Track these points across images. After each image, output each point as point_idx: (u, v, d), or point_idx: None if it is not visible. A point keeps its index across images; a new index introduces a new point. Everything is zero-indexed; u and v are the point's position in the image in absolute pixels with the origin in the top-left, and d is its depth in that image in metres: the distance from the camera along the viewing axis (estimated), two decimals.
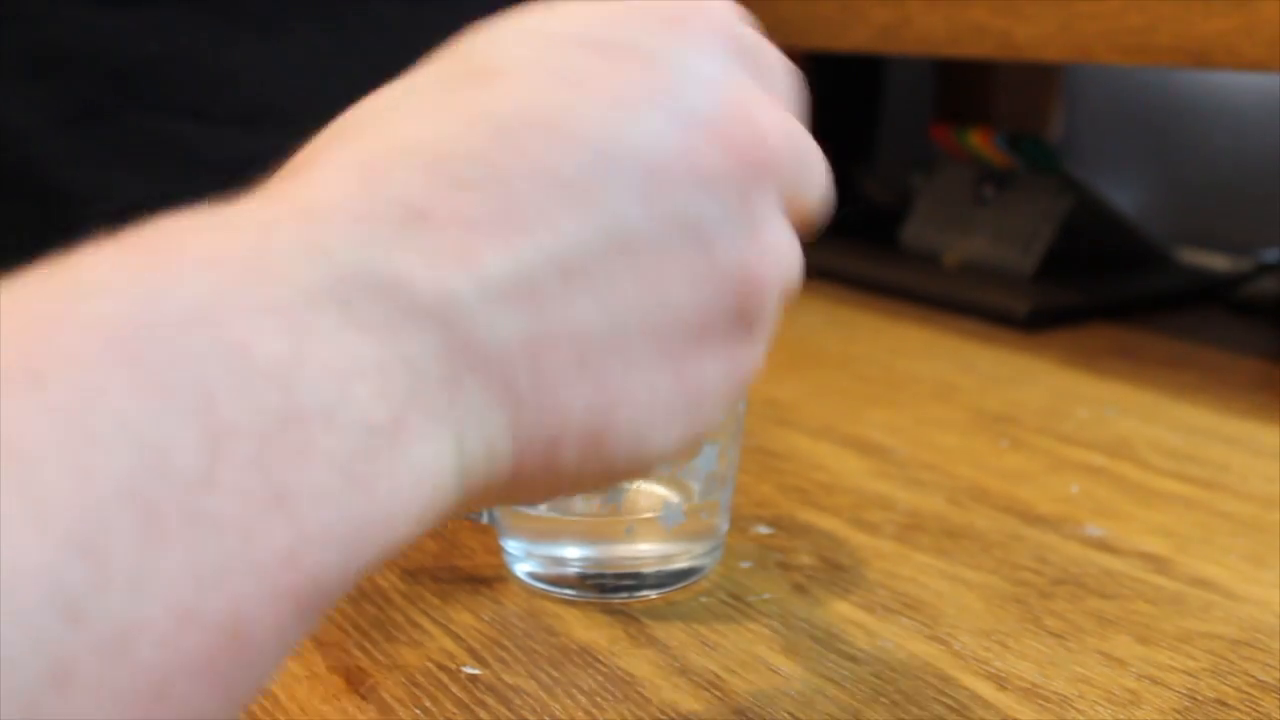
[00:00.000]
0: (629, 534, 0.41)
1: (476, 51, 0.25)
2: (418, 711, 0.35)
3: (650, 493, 0.42)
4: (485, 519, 0.43)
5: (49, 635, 0.17)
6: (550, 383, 0.23)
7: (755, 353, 0.27)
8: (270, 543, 0.19)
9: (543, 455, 0.24)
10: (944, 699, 0.35)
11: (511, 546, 0.43)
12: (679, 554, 0.42)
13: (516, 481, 0.24)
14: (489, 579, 0.43)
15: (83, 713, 0.17)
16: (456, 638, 0.39)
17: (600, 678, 0.37)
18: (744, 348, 0.26)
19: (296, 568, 0.20)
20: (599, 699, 0.36)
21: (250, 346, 0.20)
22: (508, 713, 0.35)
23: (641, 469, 0.26)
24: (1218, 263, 0.86)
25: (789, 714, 0.35)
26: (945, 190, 0.89)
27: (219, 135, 0.81)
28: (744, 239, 0.25)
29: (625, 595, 0.41)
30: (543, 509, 0.42)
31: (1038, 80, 0.98)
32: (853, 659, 0.38)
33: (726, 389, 0.26)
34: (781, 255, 0.27)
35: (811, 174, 0.28)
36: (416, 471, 0.22)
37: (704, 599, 0.42)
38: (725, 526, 0.44)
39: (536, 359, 0.23)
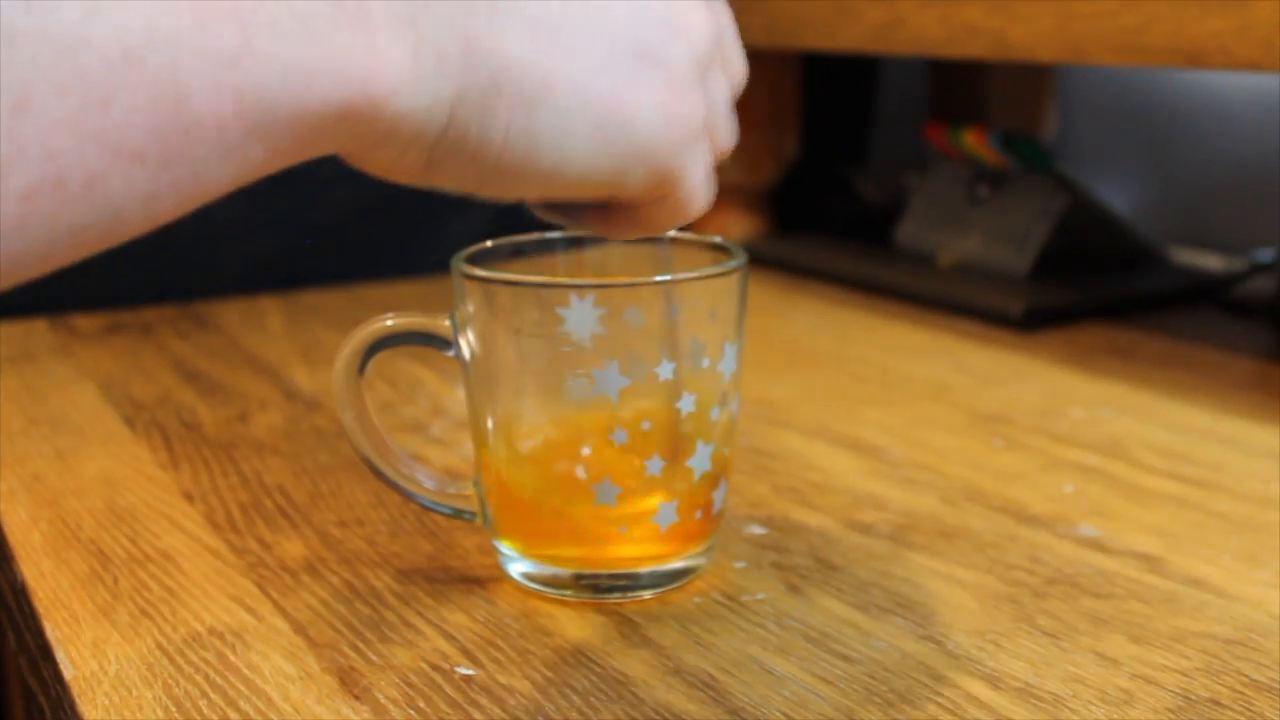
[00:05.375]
0: (623, 534, 0.41)
1: None
2: (411, 712, 0.35)
3: (643, 493, 0.42)
4: (479, 520, 0.43)
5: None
6: (501, 29, 0.28)
7: (689, 107, 0.31)
8: (219, 39, 0.23)
9: (478, 105, 0.28)
10: (937, 699, 0.35)
11: (505, 547, 0.43)
12: (673, 554, 0.42)
13: (449, 134, 0.28)
14: (483, 579, 0.43)
15: (37, 138, 0.21)
16: (450, 638, 0.39)
17: (594, 678, 0.37)
18: (681, 96, 0.31)
19: (239, 68, 0.24)
20: (593, 699, 0.36)
21: None
22: (501, 713, 0.35)
23: (562, 169, 0.30)
24: (1212, 262, 0.86)
25: (783, 714, 0.35)
26: (940, 190, 0.89)
27: None
28: (683, 8, 0.32)
29: (619, 596, 0.41)
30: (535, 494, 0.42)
31: (1032, 80, 0.99)
32: (846, 659, 0.38)
33: (656, 125, 0.31)
34: (715, 30, 0.33)
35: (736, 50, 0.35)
36: (368, 51, 0.26)
37: (698, 599, 0.42)
38: (718, 527, 0.44)
39: (495, 7, 0.28)
